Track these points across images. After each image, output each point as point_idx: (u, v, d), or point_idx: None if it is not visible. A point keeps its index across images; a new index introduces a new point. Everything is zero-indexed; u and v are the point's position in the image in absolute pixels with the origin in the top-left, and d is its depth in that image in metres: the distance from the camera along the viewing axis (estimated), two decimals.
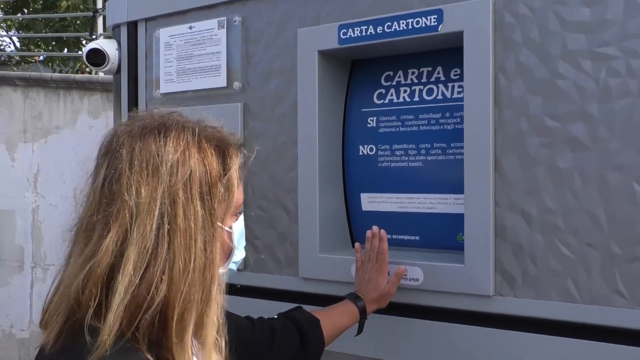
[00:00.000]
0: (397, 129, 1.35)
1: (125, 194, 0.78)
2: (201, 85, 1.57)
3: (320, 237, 1.35)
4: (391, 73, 1.38)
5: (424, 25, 1.22)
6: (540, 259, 1.12)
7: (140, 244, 0.76)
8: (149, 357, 0.74)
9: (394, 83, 1.38)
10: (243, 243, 0.97)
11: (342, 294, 1.26)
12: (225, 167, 0.84)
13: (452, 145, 1.28)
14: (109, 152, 0.83)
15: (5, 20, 10.90)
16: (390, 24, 1.26)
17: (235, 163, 0.86)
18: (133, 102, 1.70)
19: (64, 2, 8.63)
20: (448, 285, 1.20)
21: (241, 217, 0.94)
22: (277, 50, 1.44)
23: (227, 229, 0.88)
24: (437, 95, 1.31)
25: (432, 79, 1.33)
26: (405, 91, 1.36)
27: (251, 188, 1.47)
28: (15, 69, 9.18)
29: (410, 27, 1.23)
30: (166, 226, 0.77)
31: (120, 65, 1.72)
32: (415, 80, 1.35)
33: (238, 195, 0.87)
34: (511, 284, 1.15)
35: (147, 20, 1.67)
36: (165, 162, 0.79)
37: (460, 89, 1.27)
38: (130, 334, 0.74)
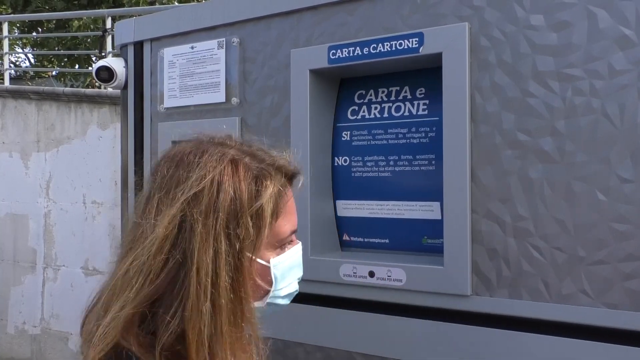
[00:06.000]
0: (369, 142, 1.36)
1: (149, 220, 0.69)
2: (202, 101, 1.56)
3: (311, 241, 1.35)
4: (363, 92, 1.40)
5: (406, 47, 1.22)
6: (513, 261, 1.12)
7: (146, 273, 0.67)
8: None
9: (366, 101, 1.39)
10: (296, 275, 0.84)
11: (331, 294, 1.25)
12: (257, 196, 0.72)
13: (417, 157, 1.29)
14: (153, 174, 0.75)
15: (21, 39, 10.85)
16: (375, 45, 1.26)
17: (267, 191, 0.73)
18: (139, 115, 1.70)
19: (76, 22, 8.61)
20: (429, 286, 1.20)
21: (293, 249, 0.82)
22: (271, 69, 1.44)
23: (262, 262, 0.76)
24: (404, 112, 1.33)
25: (400, 97, 1.34)
26: (375, 108, 1.37)
27: None
28: (29, 83, 9.14)
29: (393, 48, 1.24)
30: (178, 257, 0.67)
31: (127, 82, 1.72)
32: (385, 99, 1.36)
33: (279, 226, 0.76)
34: (487, 284, 1.15)
35: (152, 40, 1.67)
36: (189, 189, 0.69)
37: (425, 106, 1.30)
38: None
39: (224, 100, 1.52)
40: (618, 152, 1.03)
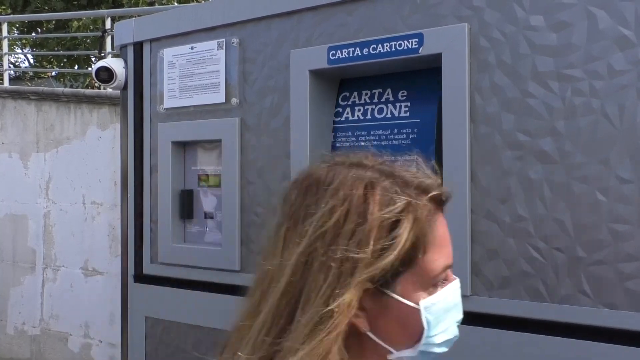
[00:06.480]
0: (352, 143, 1.38)
1: (277, 257, 0.64)
2: (202, 101, 1.57)
3: None
4: (347, 94, 1.41)
5: (406, 47, 1.23)
6: (512, 262, 1.12)
7: (274, 316, 0.63)
8: None
9: (350, 103, 1.40)
10: (455, 317, 0.72)
11: None
12: (393, 225, 0.62)
13: (399, 158, 1.30)
14: (283, 201, 0.69)
15: (20, 39, 10.85)
16: (375, 46, 1.27)
17: (406, 219, 0.62)
18: (139, 116, 1.70)
19: (75, 22, 8.61)
20: None
21: (448, 288, 0.70)
22: (271, 69, 1.44)
23: (410, 304, 0.65)
24: (386, 114, 1.34)
25: (383, 100, 1.35)
26: (359, 110, 1.38)
27: (248, 196, 1.47)
28: (29, 83, 9.13)
29: (393, 49, 1.24)
30: (293, 298, 0.62)
31: (127, 82, 1.72)
32: (368, 101, 1.37)
33: (430, 261, 0.65)
34: (486, 285, 1.15)
35: (152, 41, 1.67)
36: (319, 225, 0.62)
37: (407, 109, 1.31)
38: None
39: (224, 101, 1.52)
40: (617, 152, 1.03)
